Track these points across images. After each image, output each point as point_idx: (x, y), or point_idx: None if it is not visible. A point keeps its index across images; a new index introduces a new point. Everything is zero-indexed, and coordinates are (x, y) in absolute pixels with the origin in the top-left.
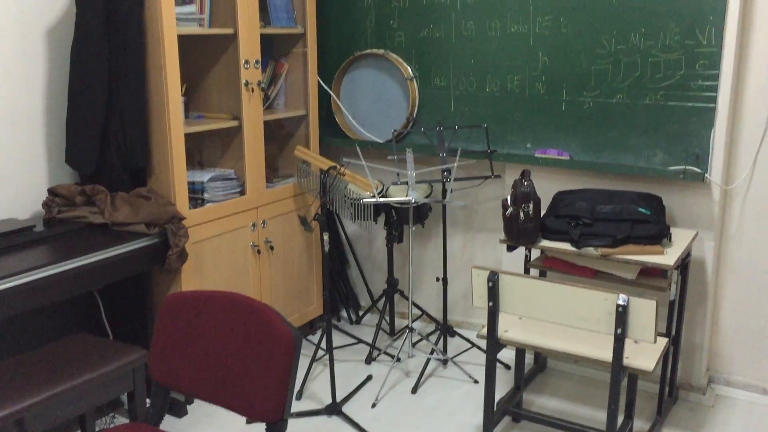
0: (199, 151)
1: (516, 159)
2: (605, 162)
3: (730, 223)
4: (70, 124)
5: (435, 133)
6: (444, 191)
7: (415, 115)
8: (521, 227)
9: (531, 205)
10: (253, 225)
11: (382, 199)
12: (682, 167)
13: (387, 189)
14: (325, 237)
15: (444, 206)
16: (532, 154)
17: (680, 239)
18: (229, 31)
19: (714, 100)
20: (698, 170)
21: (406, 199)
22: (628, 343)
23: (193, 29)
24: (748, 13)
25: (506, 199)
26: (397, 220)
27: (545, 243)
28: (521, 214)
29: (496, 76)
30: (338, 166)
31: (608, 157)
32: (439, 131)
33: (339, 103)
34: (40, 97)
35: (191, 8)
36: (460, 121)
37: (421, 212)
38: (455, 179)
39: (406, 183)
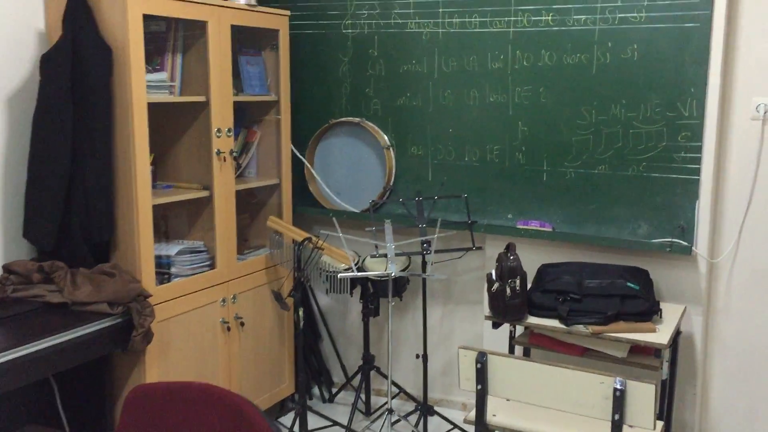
0: (166, 222)
1: (497, 230)
2: (589, 234)
3: (717, 297)
4: (29, 196)
5: (413, 204)
6: (424, 264)
7: (392, 185)
8: (508, 303)
9: (518, 281)
10: (223, 300)
11: (360, 273)
12: (668, 240)
13: (363, 261)
14: (300, 313)
15: (424, 279)
16: (514, 225)
17: (670, 315)
18: (201, 99)
19: (697, 171)
20: (685, 243)
21: (385, 273)
22: (624, 429)
23: (163, 97)
24: (729, 85)
25: (491, 274)
26: (374, 293)
27: (533, 320)
28: (508, 290)
29: (476, 146)
30: (313, 237)
31: (591, 229)
32: (418, 201)
33: (313, 171)
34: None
35: (162, 75)
36: (439, 191)
37: (398, 285)
38: (435, 251)
39: (385, 255)
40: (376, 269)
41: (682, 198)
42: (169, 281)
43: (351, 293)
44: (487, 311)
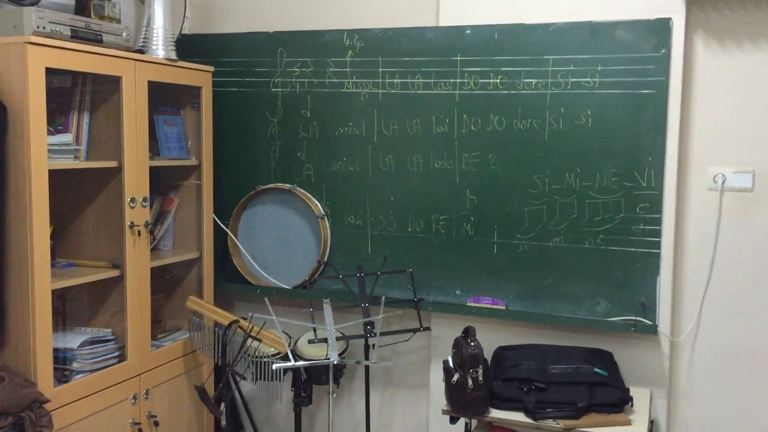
0: (65, 307)
1: (445, 308)
2: (547, 313)
3: (679, 378)
4: None
5: (354, 280)
6: (367, 348)
7: (327, 258)
8: (470, 396)
9: (480, 370)
10: (134, 397)
11: (301, 363)
12: (632, 318)
13: (296, 343)
14: (222, 408)
15: (367, 366)
16: (464, 303)
17: (639, 402)
18: (112, 164)
19: (658, 245)
20: (649, 322)
21: (327, 361)
22: None
23: (68, 163)
24: (686, 154)
25: (448, 361)
26: (307, 380)
27: (496, 414)
28: (470, 381)
29: (419, 215)
30: (241, 321)
31: (547, 306)
32: (360, 278)
33: (237, 243)
34: None
35: (66, 138)
36: (382, 266)
37: (336, 371)
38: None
39: (325, 340)
40: (311, 354)
41: (642, 273)
42: (69, 380)
43: (281, 380)
44: (435, 400)
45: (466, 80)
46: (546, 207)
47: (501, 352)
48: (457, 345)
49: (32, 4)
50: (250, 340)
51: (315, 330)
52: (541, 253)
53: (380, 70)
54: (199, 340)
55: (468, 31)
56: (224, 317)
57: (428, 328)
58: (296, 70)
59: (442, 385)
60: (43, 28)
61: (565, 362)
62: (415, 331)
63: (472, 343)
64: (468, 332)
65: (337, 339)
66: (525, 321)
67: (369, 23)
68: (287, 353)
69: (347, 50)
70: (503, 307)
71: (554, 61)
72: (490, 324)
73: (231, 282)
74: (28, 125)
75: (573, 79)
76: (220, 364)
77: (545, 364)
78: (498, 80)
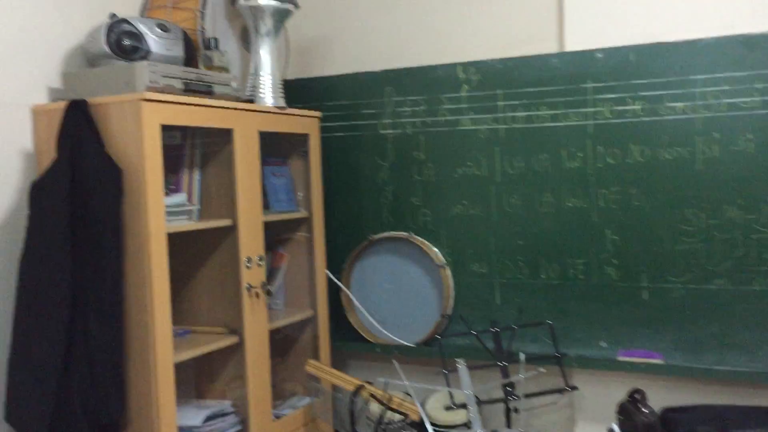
0: (182, 379)
1: (592, 364)
2: (718, 368)
3: None
4: (12, 370)
5: (488, 335)
6: (508, 414)
7: (451, 311)
8: None
9: None
10: None
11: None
12: None
13: (424, 407)
14: None
15: None
16: (613, 357)
17: None
18: (227, 222)
19: None
20: None
21: (464, 426)
22: None
23: (184, 225)
24: None
25: (614, 430)
26: None
27: None
28: None
29: (553, 260)
30: (367, 386)
31: (711, 358)
32: (495, 333)
33: (352, 297)
34: None
35: (180, 198)
36: (517, 318)
37: None
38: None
39: (464, 406)
40: (445, 420)
41: None
42: None
43: None
44: None
45: (599, 109)
46: (703, 245)
47: (670, 415)
48: (626, 412)
49: (143, 58)
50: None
51: (451, 394)
52: (701, 297)
53: (500, 103)
54: (319, 407)
55: (599, 55)
56: (348, 382)
57: (575, 388)
58: (407, 109)
59: None
60: (157, 83)
61: (750, 426)
62: (561, 391)
63: (646, 410)
64: (637, 396)
65: (476, 403)
66: (689, 377)
67: (484, 54)
68: (422, 421)
69: (462, 84)
70: (661, 362)
71: (703, 81)
72: (646, 381)
73: (346, 340)
74: (144, 187)
75: (727, 100)
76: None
77: (727, 429)
78: (637, 106)
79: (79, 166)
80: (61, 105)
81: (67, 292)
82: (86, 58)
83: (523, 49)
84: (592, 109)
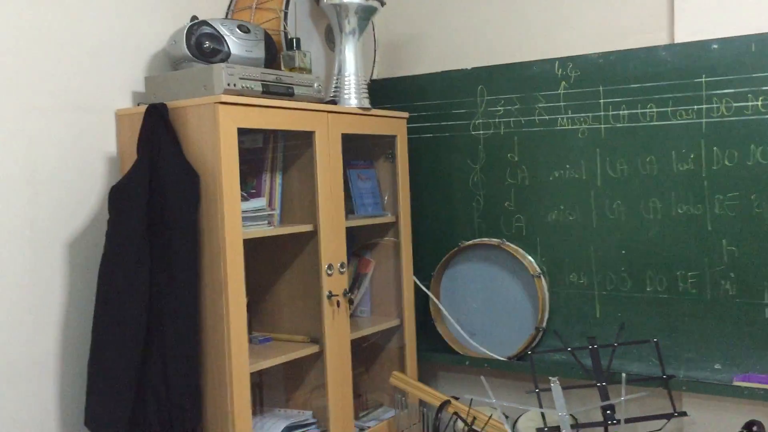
0: (262, 387)
1: (704, 388)
2: None
3: None
4: (92, 374)
5: (585, 351)
6: None
7: (545, 324)
8: None
9: None
10: None
11: None
12: None
13: (514, 425)
14: None
15: None
16: (728, 381)
17: None
18: (308, 228)
19: None
20: None
21: None
22: None
23: (263, 230)
24: None
25: None
26: None
27: None
28: None
29: (660, 272)
30: (450, 400)
31: None
32: (593, 350)
33: (440, 306)
34: (54, 336)
35: (259, 203)
36: (618, 335)
37: None
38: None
39: (558, 430)
40: None
41: None
42: None
43: None
44: None
45: (714, 105)
46: None
47: None
48: None
49: (223, 61)
50: (456, 421)
51: (543, 415)
52: None
53: (601, 101)
54: (405, 420)
55: (714, 46)
56: (433, 397)
57: (684, 414)
58: (500, 109)
59: None
60: (234, 85)
61: None
62: (668, 417)
63: None
64: (756, 430)
65: (572, 426)
66: None
67: (583, 48)
68: None
69: (560, 81)
70: None
71: None
72: (766, 410)
73: (434, 351)
74: (221, 192)
75: None
76: None
77: None
78: (759, 102)
79: (157, 170)
80: (143, 109)
81: (144, 298)
82: (169, 62)
83: (627, 42)
84: (706, 106)
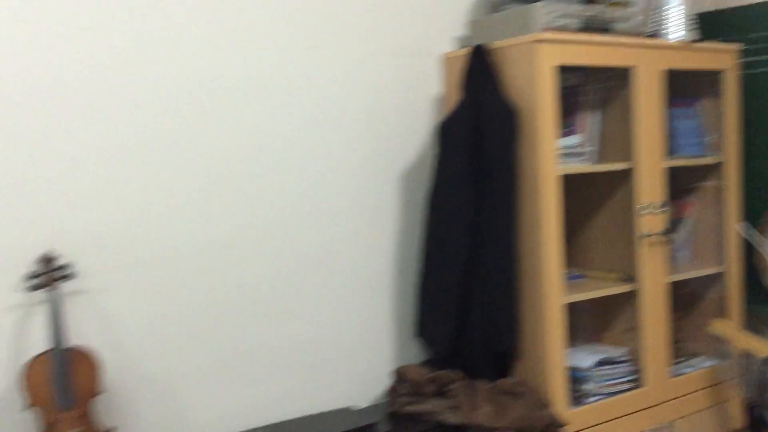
0: (574, 322)
1: None
2: None
3: None
4: (423, 290)
5: None
6: None
7: None
8: None
9: None
10: (655, 430)
11: None
12: None
13: None
14: None
15: None
16: None
17: None
18: (624, 166)
19: None
20: None
21: None
22: None
23: (577, 167)
24: None
25: None
26: None
27: None
28: None
29: None
30: None
31: None
32: None
33: (767, 257)
34: (389, 254)
35: (575, 140)
36: None
37: None
38: None
39: None
40: None
41: None
42: (583, 403)
43: None
44: None
45: None
46: None
47: None
48: None
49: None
50: None
51: None
52: None
53: None
54: (726, 372)
55: None
56: (761, 348)
57: None
58: None
59: None
60: (552, 23)
61: None
62: None
63: None
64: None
65: None
66: None
67: None
68: None
69: None
70: None
71: None
72: None
73: (760, 303)
74: (537, 128)
75: None
76: (750, 403)
77: None
78: None
79: (478, 108)
80: (465, 51)
81: (467, 225)
82: (490, 4)
83: None
84: None
